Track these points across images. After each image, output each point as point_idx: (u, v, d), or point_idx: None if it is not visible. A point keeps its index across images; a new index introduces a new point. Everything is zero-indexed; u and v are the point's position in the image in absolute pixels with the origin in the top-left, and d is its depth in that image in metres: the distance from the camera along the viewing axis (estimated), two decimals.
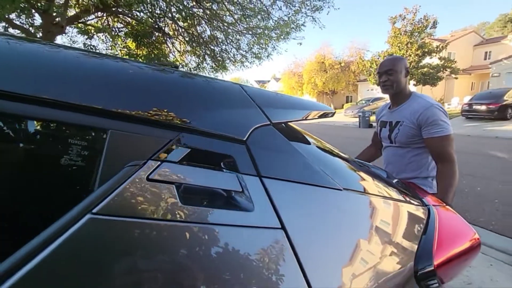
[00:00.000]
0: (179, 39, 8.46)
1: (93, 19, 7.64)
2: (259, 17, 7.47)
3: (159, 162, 0.39)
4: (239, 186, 0.42)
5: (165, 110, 0.43)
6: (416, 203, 0.71)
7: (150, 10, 6.18)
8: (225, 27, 7.72)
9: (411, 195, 0.77)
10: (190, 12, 6.55)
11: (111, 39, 8.03)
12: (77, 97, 0.38)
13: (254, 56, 8.62)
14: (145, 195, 0.36)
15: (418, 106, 1.32)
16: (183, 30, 7.99)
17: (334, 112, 0.74)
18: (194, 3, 7.01)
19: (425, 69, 15.72)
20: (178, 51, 8.87)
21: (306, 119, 0.60)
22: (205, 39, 8.16)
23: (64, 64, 0.43)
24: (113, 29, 7.92)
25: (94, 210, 0.33)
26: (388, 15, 16.48)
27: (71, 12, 6.85)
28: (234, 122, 0.48)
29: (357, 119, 14.83)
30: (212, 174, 0.42)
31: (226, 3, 7.20)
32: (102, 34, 7.89)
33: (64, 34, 7.34)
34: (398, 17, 15.98)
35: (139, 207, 0.35)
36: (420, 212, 0.68)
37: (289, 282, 0.39)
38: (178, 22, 7.61)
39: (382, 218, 0.56)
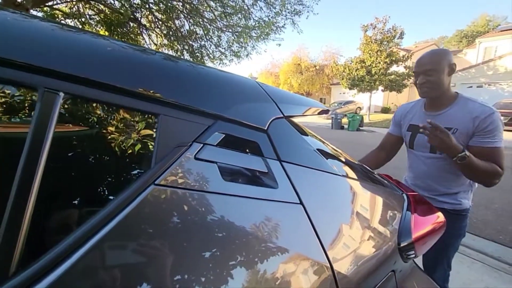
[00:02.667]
0: (156, 32, 8.21)
1: (61, 3, 7.12)
2: (239, 15, 7.52)
3: (201, 145, 0.45)
4: (265, 168, 0.50)
5: (203, 100, 0.49)
6: (396, 190, 0.84)
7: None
8: (204, 23, 7.65)
9: (391, 184, 0.90)
10: (169, 4, 6.40)
11: (81, 26, 7.55)
12: (138, 84, 0.43)
13: (233, 54, 8.65)
14: (195, 171, 0.43)
15: (477, 110, 1.10)
16: (160, 22, 7.76)
17: (329, 110, 0.84)
18: None
19: (392, 76, 16.86)
20: (154, 44, 8.59)
21: (308, 115, 0.70)
22: (183, 34, 8.01)
23: (134, 60, 0.49)
24: (84, 15, 7.45)
25: (157, 182, 0.39)
26: (361, 23, 17.45)
27: None
28: (256, 114, 0.55)
29: (330, 121, 15.51)
30: (244, 156, 0.49)
31: None
32: (71, 20, 7.40)
33: None
34: (369, 26, 16.96)
35: (190, 180, 0.42)
36: (399, 197, 0.80)
37: (307, 242, 0.49)
38: (156, 14, 7.39)
39: (373, 201, 0.68)
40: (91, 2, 7.15)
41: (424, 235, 0.69)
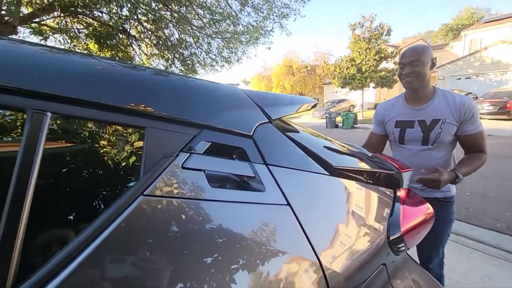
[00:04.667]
0: (145, 42, 8.23)
1: (48, 18, 7.11)
2: (228, 21, 7.59)
3: (188, 154, 0.47)
4: (252, 172, 0.51)
5: (189, 111, 0.51)
6: (385, 186, 0.86)
7: (116, 11, 5.95)
8: (194, 31, 7.70)
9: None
10: (158, 14, 6.43)
11: (69, 41, 7.53)
12: (124, 100, 0.45)
13: (224, 60, 8.69)
14: (182, 180, 0.44)
15: (460, 101, 1.20)
16: (150, 32, 7.79)
17: (316, 103, 0.87)
18: (161, 5, 6.89)
19: (383, 73, 17.08)
20: (145, 54, 8.60)
21: (298, 112, 0.72)
22: (173, 42, 8.04)
23: (119, 77, 0.51)
24: (73, 30, 7.44)
25: (145, 192, 0.40)
26: (348, 22, 17.70)
27: (25, 11, 6.31)
28: (241, 121, 0.57)
29: (324, 120, 15.61)
30: (230, 162, 0.51)
31: (194, 6, 7.20)
32: (59, 35, 7.39)
33: (16, 35, 6.71)
34: (357, 25, 17.20)
35: (178, 189, 0.43)
36: (388, 192, 0.82)
37: (296, 242, 0.50)
38: (145, 24, 7.42)
39: (361, 198, 0.69)
40: (79, 16, 7.16)
41: (413, 227, 0.71)
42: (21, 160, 0.36)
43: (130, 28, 7.67)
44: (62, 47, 7.84)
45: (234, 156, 0.52)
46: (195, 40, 7.63)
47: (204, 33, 7.74)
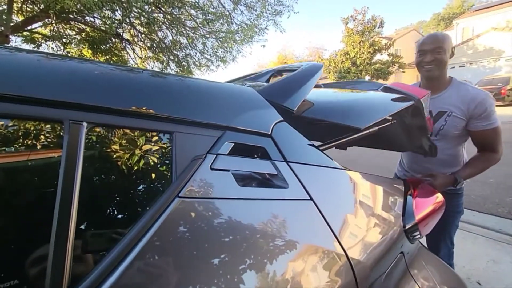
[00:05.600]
0: (139, 45, 8.19)
1: (40, 26, 7.06)
2: (221, 21, 7.58)
3: (215, 155, 0.49)
4: (274, 170, 0.53)
5: (212, 114, 0.53)
6: (395, 179, 0.89)
7: (109, 16, 5.91)
8: (187, 32, 7.68)
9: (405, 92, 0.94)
10: (150, 17, 6.40)
11: (62, 47, 7.49)
12: (153, 107, 0.47)
13: (219, 59, 8.69)
14: (212, 180, 0.46)
15: (471, 95, 1.16)
16: (143, 35, 7.76)
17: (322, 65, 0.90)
18: (154, 8, 6.86)
19: (377, 65, 17.15)
20: (139, 57, 8.57)
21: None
22: (167, 44, 8.02)
23: (147, 85, 0.53)
24: (65, 36, 7.39)
25: (180, 194, 0.42)
26: (341, 16, 17.72)
27: (16, 19, 6.26)
28: (259, 120, 0.59)
29: None
30: (253, 162, 0.53)
31: (187, 8, 7.17)
32: (52, 42, 7.34)
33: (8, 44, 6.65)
34: (349, 18, 17.22)
35: (210, 189, 0.45)
36: (399, 184, 0.85)
37: (322, 235, 0.52)
38: (138, 28, 7.39)
39: (375, 189, 0.72)
40: (71, 22, 7.11)
41: (426, 215, 0.74)
42: (65, 169, 0.38)
43: (123, 32, 7.63)
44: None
45: (256, 155, 0.54)
46: (190, 41, 7.61)
47: (198, 33, 7.72)
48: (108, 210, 0.43)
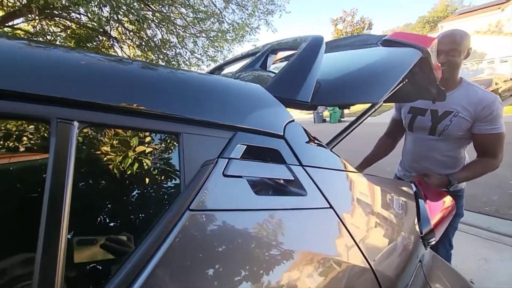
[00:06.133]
0: (127, 43, 7.96)
1: (22, 22, 6.74)
2: (212, 19, 7.47)
3: (227, 160, 0.43)
4: (291, 175, 0.48)
5: (222, 112, 0.47)
6: (404, 181, 0.86)
7: (96, 12, 5.71)
8: (177, 30, 7.53)
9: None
10: (140, 14, 6.23)
11: None
12: (155, 104, 0.41)
13: (210, 59, 8.57)
14: (226, 189, 0.41)
15: (479, 97, 1.13)
16: (132, 33, 7.55)
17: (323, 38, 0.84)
18: (143, 5, 6.69)
19: None
20: (127, 56, 8.34)
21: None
22: (156, 43, 7.84)
23: (147, 78, 0.46)
24: (49, 33, 7.09)
25: (191, 207, 0.36)
26: (330, 18, 17.94)
27: None
28: (271, 120, 0.54)
29: (312, 115, 15.76)
30: (268, 166, 0.48)
31: (177, 6, 7.04)
32: (35, 38, 7.02)
33: None
34: (339, 20, 17.46)
35: (224, 200, 0.40)
36: (409, 187, 0.82)
37: (346, 246, 0.48)
38: (126, 25, 7.18)
39: (389, 194, 0.68)
40: (56, 19, 6.83)
41: (440, 220, 0.71)
42: (51, 179, 0.31)
43: (111, 30, 7.40)
44: None
45: (269, 159, 0.49)
46: (180, 40, 7.47)
47: (188, 32, 7.59)
48: (106, 226, 0.36)
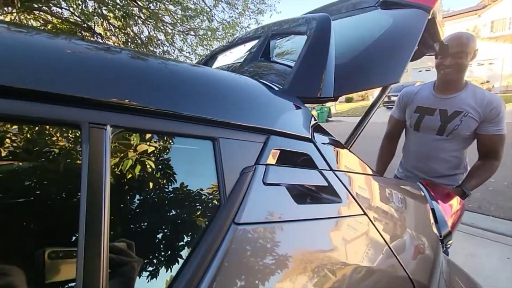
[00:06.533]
0: (112, 40, 7.69)
1: None
2: (201, 17, 7.36)
3: (264, 166, 0.41)
4: (325, 181, 0.47)
5: (255, 115, 0.45)
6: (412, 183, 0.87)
7: (79, 6, 5.45)
8: (165, 27, 7.37)
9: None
10: (124, 10, 6.02)
11: None
12: (192, 107, 0.38)
13: (199, 57, 8.44)
14: (268, 199, 0.38)
15: (488, 98, 1.15)
16: (117, 29, 7.30)
17: None
18: (129, 1, 6.47)
19: None
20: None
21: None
22: (144, 40, 7.62)
23: (183, 79, 0.43)
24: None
25: (236, 219, 0.34)
26: None
27: None
28: (299, 122, 0.52)
29: None
30: (302, 172, 0.46)
31: (165, 2, 6.87)
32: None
33: None
34: None
35: (268, 210, 0.37)
36: (419, 190, 0.83)
37: (384, 255, 0.47)
38: (111, 21, 6.93)
39: (408, 197, 0.68)
40: (35, 12, 6.48)
41: (455, 221, 0.72)
42: (88, 190, 0.28)
43: (95, 25, 7.11)
44: None
45: (302, 164, 0.48)
46: (168, 37, 7.30)
47: (177, 30, 7.44)
48: (147, 243, 0.33)
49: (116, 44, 7.75)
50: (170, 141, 0.38)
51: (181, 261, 0.31)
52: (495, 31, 19.52)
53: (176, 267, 0.31)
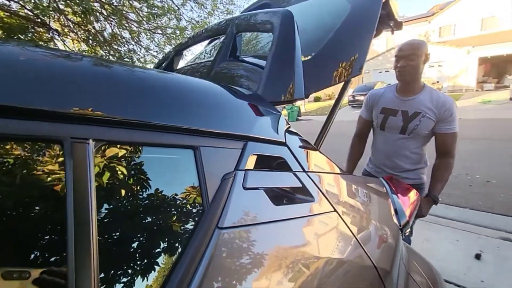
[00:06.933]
0: (71, 36, 7.13)
1: None
2: (169, 16, 7.15)
3: (243, 172, 0.44)
4: (299, 182, 0.51)
5: (233, 122, 0.47)
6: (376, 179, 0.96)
7: (33, 0, 4.96)
8: (130, 25, 7.02)
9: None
10: (84, 6, 5.62)
11: None
12: (172, 117, 0.39)
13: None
14: (249, 202, 0.41)
15: (442, 99, 1.29)
16: (76, 26, 6.79)
17: None
18: None
19: None
20: (71, 50, 7.48)
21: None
22: (106, 38, 7.18)
23: (161, 89, 0.43)
24: None
25: (220, 224, 0.36)
26: None
27: None
28: (273, 127, 0.55)
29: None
30: (278, 175, 0.50)
31: None
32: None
33: None
34: None
35: (249, 214, 0.40)
36: (382, 185, 0.92)
37: (352, 247, 0.53)
38: (69, 17, 6.43)
39: (372, 191, 0.76)
40: None
41: (412, 211, 0.82)
42: (75, 205, 0.29)
43: (50, 21, 6.53)
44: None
45: (278, 167, 0.51)
46: (134, 35, 6.97)
47: (143, 28, 7.13)
48: (134, 254, 0.34)
49: (75, 41, 7.21)
50: (153, 151, 0.39)
51: (167, 269, 0.33)
52: (442, 36, 21.64)
53: (162, 275, 0.33)
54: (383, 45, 25.85)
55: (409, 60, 1.29)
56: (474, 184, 3.97)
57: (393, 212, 0.77)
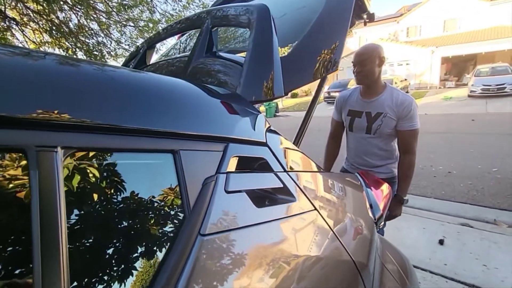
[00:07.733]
0: (31, 27, 6.55)
1: None
2: (141, 7, 6.82)
3: (225, 174, 0.43)
4: (280, 183, 0.52)
5: (213, 124, 0.46)
6: (352, 175, 1.00)
7: None
8: (98, 16, 6.61)
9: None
10: None
11: None
12: (149, 120, 0.37)
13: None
14: (231, 207, 0.41)
15: (401, 98, 1.36)
16: (37, 15, 6.24)
17: None
18: None
19: None
20: (32, 41, 6.88)
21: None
22: (72, 29, 6.69)
23: (136, 90, 0.40)
24: None
25: (202, 231, 0.35)
26: None
27: None
28: (254, 128, 0.55)
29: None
30: (260, 176, 0.50)
31: None
32: None
33: None
34: None
35: (231, 218, 0.40)
36: (357, 180, 0.96)
37: (333, 244, 0.54)
38: (28, 5, 5.89)
39: (349, 188, 0.79)
40: None
41: (385, 204, 0.86)
42: (41, 217, 0.26)
43: (5, 9, 5.93)
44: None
45: (260, 168, 0.51)
46: (104, 27, 6.57)
47: (113, 19, 6.74)
48: (112, 266, 0.32)
49: (36, 32, 6.63)
50: (130, 157, 0.37)
51: (148, 279, 0.31)
52: (410, 36, 22.87)
53: (143, 285, 0.31)
54: (356, 43, 26.84)
55: (363, 65, 1.37)
56: (437, 175, 4.29)
57: (368, 205, 0.81)
